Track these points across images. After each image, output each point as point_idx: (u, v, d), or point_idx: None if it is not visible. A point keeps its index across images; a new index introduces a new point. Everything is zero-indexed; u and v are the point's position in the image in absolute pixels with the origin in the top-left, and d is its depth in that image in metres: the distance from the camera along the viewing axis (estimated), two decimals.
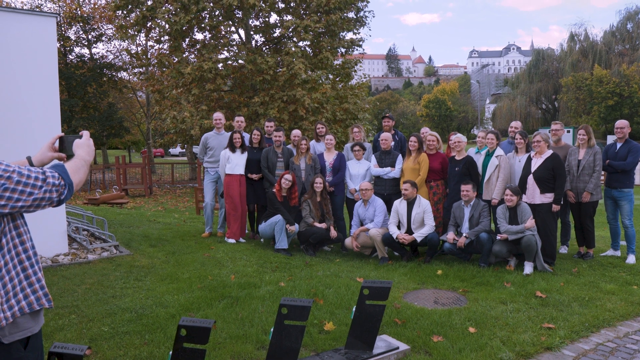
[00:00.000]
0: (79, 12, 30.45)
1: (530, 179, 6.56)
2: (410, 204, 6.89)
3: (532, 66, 56.39)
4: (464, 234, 6.60)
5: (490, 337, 4.18)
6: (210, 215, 8.25)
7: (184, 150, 39.74)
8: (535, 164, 6.56)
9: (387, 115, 8.50)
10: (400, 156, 7.62)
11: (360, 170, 7.70)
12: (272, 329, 3.52)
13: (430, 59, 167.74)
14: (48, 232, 6.75)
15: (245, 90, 21.28)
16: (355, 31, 23.05)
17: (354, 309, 3.91)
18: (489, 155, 7.02)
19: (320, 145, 8.26)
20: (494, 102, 73.56)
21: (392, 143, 7.80)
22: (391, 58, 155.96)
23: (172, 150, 51.85)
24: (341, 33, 22.35)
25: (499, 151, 6.95)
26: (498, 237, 6.37)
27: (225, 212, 7.97)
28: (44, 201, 1.80)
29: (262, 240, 7.73)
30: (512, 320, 4.56)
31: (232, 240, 7.70)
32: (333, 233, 7.34)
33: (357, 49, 23.27)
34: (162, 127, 25.78)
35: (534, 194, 6.53)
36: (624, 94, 44.63)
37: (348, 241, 7.37)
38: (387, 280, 4.52)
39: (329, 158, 7.88)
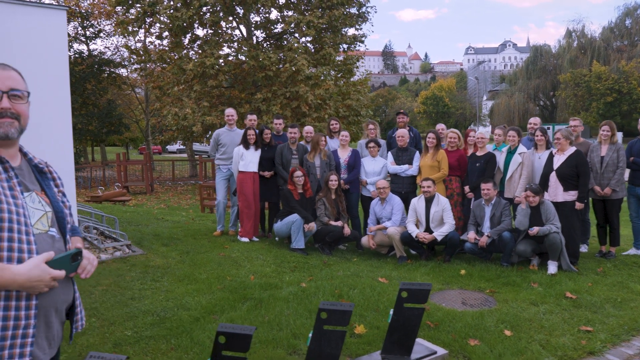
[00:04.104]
0: (78, 9, 30.10)
1: (553, 176, 6.43)
2: (429, 202, 6.75)
3: (530, 63, 56.42)
4: (486, 234, 6.47)
5: (528, 341, 4.05)
6: (223, 213, 8.08)
7: (184, 147, 39.51)
8: (558, 161, 6.43)
9: (402, 111, 8.36)
10: (417, 153, 7.48)
11: (376, 167, 7.56)
12: (310, 334, 3.37)
13: (426, 55, 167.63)
14: None
15: (247, 86, 21.09)
16: (357, 27, 22.90)
17: (391, 312, 3.76)
18: (510, 152, 6.88)
19: (333, 142, 8.10)
20: (492, 99, 73.62)
21: (408, 140, 7.66)
22: (387, 55, 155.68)
23: (169, 147, 51.53)
24: (343, 29, 22.20)
25: (522, 148, 6.82)
26: (530, 231, 6.10)
27: (238, 210, 7.81)
28: None
29: (276, 239, 7.57)
30: (547, 323, 4.43)
31: (245, 239, 7.54)
32: (347, 230, 7.19)
33: (359, 45, 23.13)
34: (162, 124, 25.54)
35: (557, 192, 6.40)
36: (622, 91, 44.70)
37: (365, 240, 7.23)
38: (425, 282, 4.37)
39: (344, 155, 7.73)
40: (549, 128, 18.80)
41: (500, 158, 6.99)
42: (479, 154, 7.08)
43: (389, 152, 7.68)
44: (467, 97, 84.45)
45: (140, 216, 10.24)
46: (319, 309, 3.32)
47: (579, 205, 6.33)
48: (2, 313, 1.56)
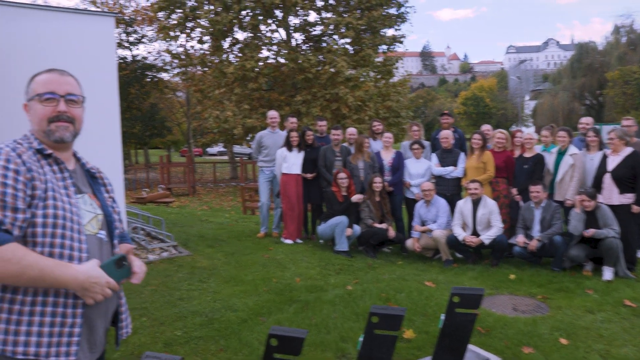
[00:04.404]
0: (122, 16, 30.94)
1: (608, 178, 6.18)
2: (476, 205, 6.61)
3: (575, 60, 54.64)
4: (536, 237, 6.28)
5: (586, 350, 3.89)
6: (266, 215, 8.12)
7: (224, 149, 40.03)
8: (613, 163, 6.18)
9: (446, 112, 8.23)
10: (462, 155, 7.34)
11: (420, 169, 7.45)
12: (360, 338, 3.32)
13: (465, 55, 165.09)
14: None
15: (287, 89, 21.20)
16: (396, 27, 22.73)
17: (442, 317, 3.68)
18: (560, 153, 6.67)
19: (376, 144, 8.03)
20: (534, 99, 71.76)
21: (453, 141, 7.52)
22: (425, 55, 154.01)
23: (210, 150, 52.35)
24: (382, 30, 22.06)
25: (573, 149, 6.59)
26: (586, 232, 5.88)
27: (282, 212, 7.84)
28: None
29: (320, 241, 7.56)
30: (605, 332, 4.25)
31: (289, 241, 7.56)
32: (391, 233, 7.11)
33: (398, 46, 22.95)
34: (203, 127, 25.96)
35: (612, 195, 6.16)
36: None
37: (409, 242, 7.14)
38: (478, 287, 4.26)
39: (387, 157, 7.65)
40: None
41: (550, 159, 6.78)
42: (526, 155, 6.89)
43: (433, 154, 7.56)
44: (509, 97, 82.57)
45: (185, 217, 10.41)
46: (369, 313, 3.27)
47: (636, 209, 6.06)
48: (51, 309, 1.58)
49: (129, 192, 20.94)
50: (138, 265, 1.90)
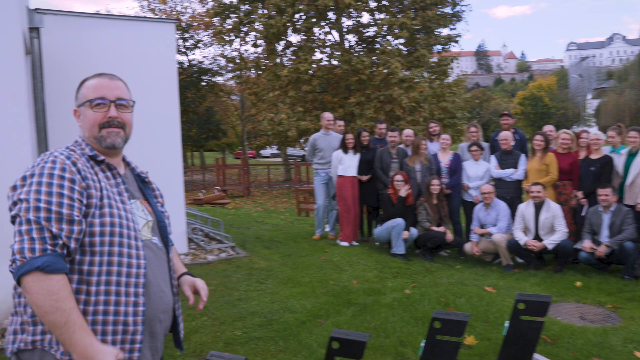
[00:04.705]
0: (179, 22, 31.89)
1: None
2: (538, 208, 6.38)
3: None
4: (604, 243, 5.99)
5: None
6: (322, 217, 8.14)
7: (278, 151, 40.51)
8: None
9: (506, 112, 7.97)
10: (523, 156, 7.11)
11: (479, 172, 7.27)
12: (422, 343, 3.27)
13: (522, 54, 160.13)
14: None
15: (340, 91, 21.24)
16: (451, 27, 22.35)
17: (506, 324, 3.56)
18: (631, 155, 6.34)
19: (433, 145, 7.90)
20: (597, 97, 68.79)
21: (513, 142, 7.30)
22: (480, 54, 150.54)
23: (263, 152, 53.16)
24: (437, 29, 21.75)
25: None
26: None
27: (337, 214, 7.84)
28: None
29: (376, 243, 7.51)
30: None
31: (345, 243, 7.55)
32: (449, 236, 6.97)
33: (453, 45, 22.56)
34: (258, 129, 26.37)
35: None
36: None
37: (468, 246, 6.97)
38: (545, 294, 4.11)
39: (445, 159, 7.52)
40: None
41: (619, 161, 6.45)
42: (593, 157, 6.59)
43: (492, 156, 7.36)
44: (569, 96, 79.49)
45: (241, 219, 10.59)
46: (432, 318, 3.21)
47: None
48: (112, 318, 1.57)
49: (186, 193, 21.53)
50: (202, 287, 1.98)
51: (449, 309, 4.77)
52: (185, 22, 32.61)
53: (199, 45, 33.82)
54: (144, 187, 1.91)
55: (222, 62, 31.53)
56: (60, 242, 1.47)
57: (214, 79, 34.10)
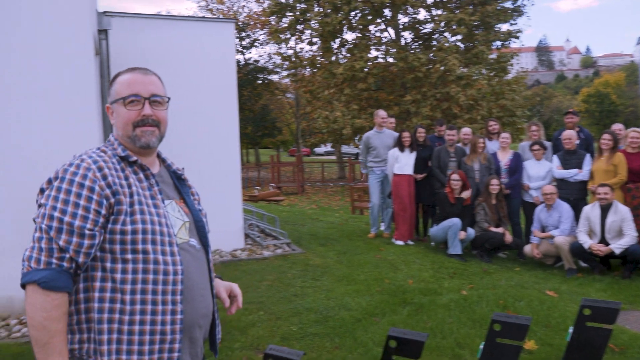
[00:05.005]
0: (236, 21, 32.51)
1: None
2: (605, 211, 6.11)
3: None
4: None
5: None
6: (377, 215, 8.12)
7: (332, 149, 40.64)
8: None
9: (571, 110, 7.68)
10: (588, 156, 6.82)
11: (540, 172, 7.04)
12: (481, 346, 3.21)
13: (587, 48, 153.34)
14: (227, 227, 7.11)
15: (396, 88, 21.06)
16: (512, 22, 21.70)
17: (570, 330, 3.45)
18: None
19: (492, 144, 7.72)
20: None
21: (577, 142, 7.02)
22: (541, 50, 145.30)
23: (317, 149, 53.45)
24: (496, 25, 21.17)
25: None
26: None
27: (393, 212, 7.80)
28: None
29: (432, 243, 7.41)
30: None
31: (400, 242, 7.50)
32: (508, 238, 6.80)
33: (513, 41, 21.90)
34: (312, 127, 26.54)
35: None
36: None
37: (528, 248, 6.77)
38: (612, 300, 3.95)
39: (504, 158, 7.32)
40: None
41: None
42: None
43: (555, 156, 7.11)
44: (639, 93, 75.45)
45: (296, 216, 10.70)
46: (491, 320, 3.15)
47: None
48: (150, 327, 1.50)
49: (242, 190, 21.96)
50: (239, 293, 1.91)
51: (508, 312, 4.65)
52: (242, 21, 33.22)
53: (255, 44, 34.38)
54: (180, 185, 1.81)
55: (278, 60, 31.94)
56: (67, 255, 1.42)
57: (269, 77, 34.60)
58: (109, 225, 1.49)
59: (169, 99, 1.73)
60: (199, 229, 1.75)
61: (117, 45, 6.42)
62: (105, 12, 6.20)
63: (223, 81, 7.21)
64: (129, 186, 1.54)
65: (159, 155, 1.81)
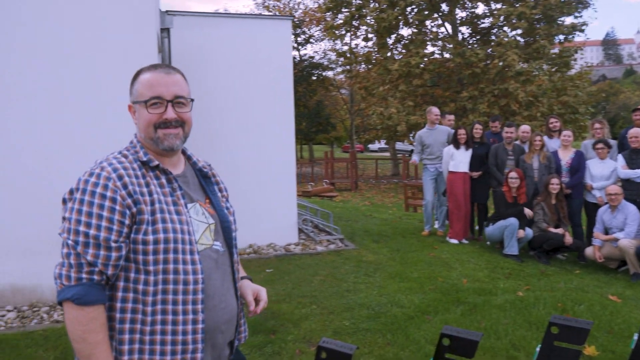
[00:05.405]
0: (293, 18, 32.82)
1: None
2: None
3: None
4: None
5: None
6: (431, 213, 8.04)
7: (386, 146, 40.41)
8: None
9: (639, 107, 7.33)
10: None
11: (604, 171, 6.76)
12: (537, 348, 3.14)
13: None
14: (282, 222, 7.25)
15: (452, 85, 20.68)
16: (576, 14, 20.81)
17: (635, 337, 3.31)
18: None
19: (553, 142, 7.47)
20: None
21: None
22: (608, 43, 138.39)
23: (371, 146, 53.23)
24: (559, 18, 20.37)
25: None
26: None
27: (447, 210, 7.70)
28: None
29: (487, 243, 7.28)
30: None
31: (454, 241, 7.41)
32: (568, 239, 6.58)
33: (577, 35, 21.00)
34: (367, 123, 26.47)
35: None
36: None
37: (589, 251, 6.53)
38: None
39: (566, 156, 7.08)
40: None
41: None
42: None
43: (620, 155, 6.80)
44: None
45: (349, 212, 10.74)
46: (549, 323, 3.06)
47: None
48: (171, 338, 1.50)
49: (296, 185, 22.18)
50: (263, 298, 1.81)
51: (566, 316, 4.52)
52: (297, 18, 33.50)
53: (311, 40, 34.59)
54: (206, 182, 1.75)
55: (333, 56, 32.01)
56: (96, 269, 1.43)
57: (324, 74, 34.73)
58: (132, 235, 1.48)
59: (192, 100, 1.65)
60: (225, 230, 1.70)
61: (178, 43, 6.66)
62: (167, 11, 6.44)
63: (279, 78, 7.33)
64: (150, 193, 1.52)
65: (184, 152, 1.74)
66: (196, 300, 1.53)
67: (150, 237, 1.47)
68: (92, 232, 1.43)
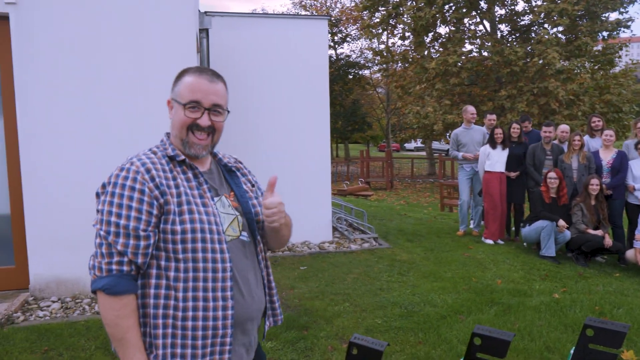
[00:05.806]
0: (329, 17, 32.90)
1: None
2: None
3: None
4: None
5: None
6: (466, 213, 7.98)
7: (422, 145, 40.08)
8: None
9: None
10: None
11: None
12: (571, 351, 3.11)
13: None
14: (316, 220, 7.31)
15: (490, 83, 20.34)
16: (622, 10, 20.12)
17: None
18: None
19: (595, 142, 7.30)
20: None
21: None
22: None
23: (407, 145, 52.85)
24: (603, 14, 19.73)
25: None
26: None
27: (483, 210, 7.63)
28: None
29: (524, 244, 7.18)
30: None
31: (489, 241, 7.34)
32: (608, 241, 6.42)
33: (623, 31, 20.30)
34: (403, 122, 26.32)
35: None
36: None
37: (630, 253, 6.36)
38: None
39: (607, 157, 6.91)
40: None
41: None
42: None
43: None
44: None
45: (384, 211, 10.74)
46: (584, 325, 3.03)
47: None
48: (202, 323, 1.57)
49: (331, 184, 22.26)
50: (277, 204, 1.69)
51: (605, 319, 4.44)
52: (334, 17, 33.55)
53: (347, 39, 34.61)
54: (230, 177, 1.82)
55: (369, 55, 31.93)
56: (126, 259, 1.51)
57: (360, 72, 34.69)
58: (162, 225, 1.56)
59: (228, 112, 1.72)
60: (249, 222, 1.76)
61: (217, 43, 6.81)
62: (206, 12, 6.59)
63: (315, 77, 7.40)
64: (177, 186, 1.59)
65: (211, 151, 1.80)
66: (225, 288, 1.60)
67: (178, 227, 1.55)
68: (122, 222, 1.51)
